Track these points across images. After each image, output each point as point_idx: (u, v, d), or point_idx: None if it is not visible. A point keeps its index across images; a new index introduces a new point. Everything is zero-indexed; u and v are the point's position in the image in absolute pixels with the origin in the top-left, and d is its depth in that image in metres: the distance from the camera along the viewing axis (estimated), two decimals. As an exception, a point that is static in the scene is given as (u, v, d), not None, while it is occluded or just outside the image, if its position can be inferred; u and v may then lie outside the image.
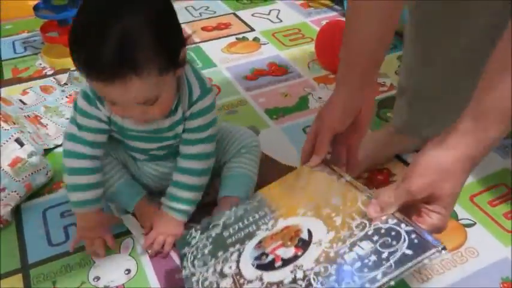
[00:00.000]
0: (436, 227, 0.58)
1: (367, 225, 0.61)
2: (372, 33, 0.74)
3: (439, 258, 0.82)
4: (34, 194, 0.99)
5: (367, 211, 0.61)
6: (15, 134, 1.00)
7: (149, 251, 0.86)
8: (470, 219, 0.91)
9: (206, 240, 0.76)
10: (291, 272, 0.62)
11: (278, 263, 0.64)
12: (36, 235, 0.91)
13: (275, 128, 1.16)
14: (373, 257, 0.56)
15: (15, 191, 0.95)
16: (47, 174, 1.01)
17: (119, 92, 0.69)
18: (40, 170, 1.00)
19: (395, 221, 0.59)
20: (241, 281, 0.65)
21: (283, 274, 0.62)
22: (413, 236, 0.56)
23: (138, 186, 0.93)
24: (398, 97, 1.07)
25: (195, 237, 0.78)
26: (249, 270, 0.66)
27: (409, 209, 0.59)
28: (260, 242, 0.69)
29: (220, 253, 0.71)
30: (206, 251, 0.73)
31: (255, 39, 1.54)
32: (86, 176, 0.84)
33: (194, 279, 0.70)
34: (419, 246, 0.55)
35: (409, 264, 0.54)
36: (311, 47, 1.46)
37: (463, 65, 0.91)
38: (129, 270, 0.84)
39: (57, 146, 1.12)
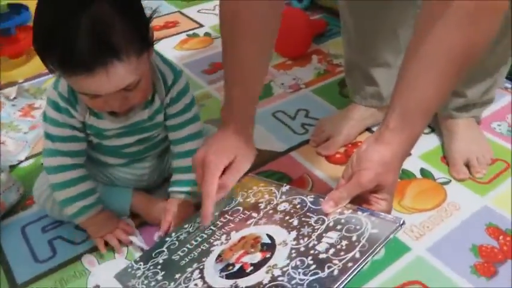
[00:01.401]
0: (385, 211, 0.66)
1: (325, 219, 0.66)
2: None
3: (419, 219, 0.87)
4: (8, 212, 0.94)
5: (322, 207, 0.67)
6: (-23, 152, 0.94)
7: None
8: (445, 178, 0.97)
9: (154, 268, 0.75)
10: (267, 272, 0.63)
11: (249, 269, 0.65)
12: (19, 254, 0.86)
13: (245, 117, 1.17)
14: (344, 242, 0.61)
15: (-12, 212, 0.89)
16: (18, 190, 0.96)
17: (102, 81, 0.66)
18: (10, 187, 0.95)
19: (350, 211, 0.65)
20: None
21: (259, 276, 0.63)
22: (373, 218, 0.63)
23: (121, 187, 0.91)
24: (349, 74, 1.11)
25: (139, 268, 0.76)
26: (219, 282, 0.66)
27: (358, 200, 0.67)
28: (220, 255, 0.70)
29: (177, 275, 0.71)
30: (159, 277, 0.72)
31: (206, 34, 1.53)
32: (75, 187, 0.81)
33: None
34: (383, 225, 0.62)
35: (381, 240, 0.59)
36: (263, 37, 1.48)
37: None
38: (128, 273, 0.81)
39: (20, 162, 1.06)
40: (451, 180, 0.96)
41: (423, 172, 0.98)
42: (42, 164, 1.02)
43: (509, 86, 1.20)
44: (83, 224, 0.85)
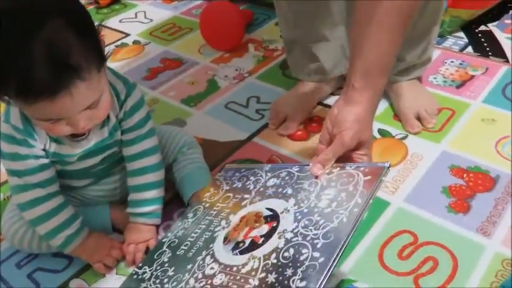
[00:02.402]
0: None
1: (318, 181, 0.70)
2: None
3: (390, 174, 0.92)
4: (-27, 257, 0.87)
5: (311, 171, 0.71)
6: None
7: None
8: (402, 133, 1.02)
9: (161, 267, 0.75)
10: (279, 238, 0.65)
11: (260, 240, 0.67)
12: (-1, 297, 0.81)
13: (199, 114, 1.16)
14: (343, 194, 0.66)
15: (-48, 261, 0.82)
16: (-21, 232, 0.89)
17: (66, 104, 0.63)
18: (-30, 230, 0.88)
19: (338, 168, 0.70)
20: (234, 269, 0.66)
21: (273, 243, 0.65)
22: (361, 168, 0.68)
23: (97, 206, 0.87)
24: (290, 53, 1.14)
25: (145, 272, 0.76)
26: (234, 259, 0.67)
27: (341, 160, 0.71)
28: (226, 238, 0.72)
29: (189, 266, 0.71)
30: (171, 273, 0.72)
31: (135, 42, 1.50)
32: (56, 217, 0.77)
33: None
34: (373, 171, 0.67)
35: (375, 184, 0.65)
36: (194, 36, 1.48)
37: None
38: (125, 288, 0.79)
39: (-27, 203, 0.99)
40: (407, 135, 1.02)
41: (381, 132, 1.03)
42: (3, 199, 0.97)
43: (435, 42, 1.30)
44: (74, 252, 0.81)
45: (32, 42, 0.59)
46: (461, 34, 1.34)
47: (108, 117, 0.76)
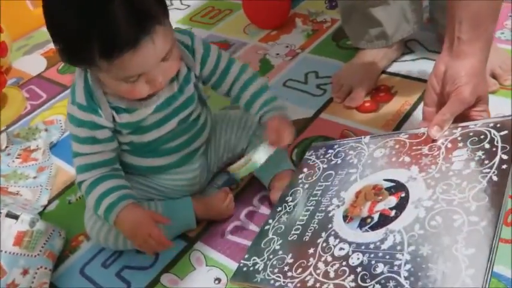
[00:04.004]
0: None
1: (440, 144, 0.64)
2: None
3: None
4: (58, 260, 0.86)
5: (429, 133, 0.66)
6: (1, 209, 0.85)
7: None
8: (478, 94, 0.97)
9: (275, 255, 0.70)
10: (416, 207, 0.60)
11: (392, 213, 0.61)
12: (90, 298, 0.79)
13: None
14: (480, 152, 0.60)
15: (41, 267, 0.81)
16: (60, 235, 0.88)
17: (149, 51, 0.65)
18: (52, 233, 0.87)
19: (459, 128, 0.64)
20: (371, 246, 0.60)
21: (411, 213, 0.60)
22: (491, 124, 0.62)
23: (179, 199, 0.85)
24: (347, 21, 1.09)
25: (256, 263, 0.71)
26: (366, 236, 0.62)
27: (457, 121, 0.66)
28: (345, 216, 0.66)
29: (311, 250, 0.66)
30: (289, 260, 0.67)
31: (176, 30, 1.46)
32: (109, 181, 0.77)
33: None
34: (507, 125, 0.60)
35: None
36: (235, 16, 1.44)
37: None
38: (218, 280, 0.76)
39: (45, 207, 0.98)
40: (484, 95, 0.96)
41: (456, 95, 0.98)
42: (76, 200, 0.96)
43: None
44: (117, 227, 0.77)
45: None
46: (521, -16, 1.26)
47: (177, 73, 0.76)
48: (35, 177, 1.05)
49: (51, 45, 1.52)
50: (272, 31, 1.33)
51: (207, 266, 0.79)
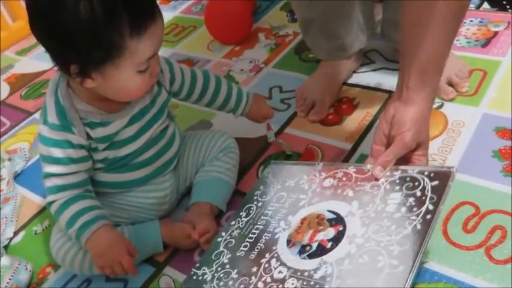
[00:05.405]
0: (425, 165, 0.72)
1: (380, 184, 0.69)
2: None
3: (434, 146, 0.89)
4: (25, 294, 0.84)
5: (373, 172, 0.71)
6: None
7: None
8: (437, 102, 0.99)
9: (222, 268, 0.72)
10: (350, 243, 0.64)
11: (329, 244, 0.66)
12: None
13: (223, 113, 1.11)
14: (411, 199, 0.65)
15: (6, 302, 0.80)
16: (26, 268, 0.86)
17: (161, 26, 0.70)
18: (17, 267, 0.85)
19: (399, 171, 0.69)
20: (306, 273, 0.64)
21: (344, 248, 0.64)
22: (425, 172, 0.67)
23: (146, 223, 0.85)
24: (307, 34, 1.11)
25: (205, 273, 0.73)
26: (303, 263, 0.66)
27: (399, 162, 0.71)
28: (289, 241, 0.70)
29: (254, 269, 0.69)
30: (235, 275, 0.70)
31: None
32: (85, 201, 0.77)
33: None
34: (439, 176, 0.66)
35: (445, 190, 0.64)
36: (199, 33, 1.44)
37: None
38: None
39: (11, 239, 0.96)
40: (443, 103, 0.99)
41: (416, 104, 1.00)
42: (43, 230, 0.95)
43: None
44: (88, 246, 0.76)
45: None
46: (474, -9, 1.30)
47: None
48: (-2, 208, 1.04)
49: (13, 71, 1.51)
50: (236, 46, 1.34)
51: (176, 291, 0.79)
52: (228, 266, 0.72)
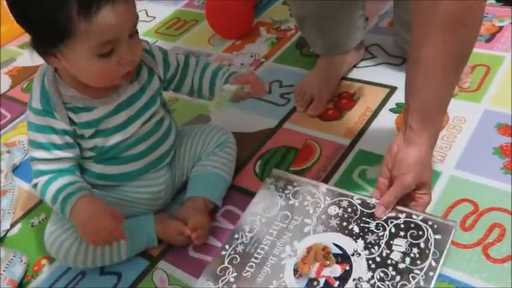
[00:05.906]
0: (428, 203, 0.74)
1: (385, 225, 0.72)
2: None
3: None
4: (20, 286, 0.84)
5: (376, 213, 0.74)
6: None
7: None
8: (438, 98, 0.98)
9: (228, 286, 0.72)
10: (356, 286, 0.66)
11: (335, 283, 0.68)
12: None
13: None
14: (415, 250, 0.68)
15: (0, 294, 0.80)
16: (21, 261, 0.86)
17: (124, 10, 0.66)
18: (12, 259, 0.85)
19: (404, 214, 0.72)
20: None
21: None
22: (430, 222, 0.70)
23: (141, 216, 0.84)
24: (303, 29, 1.10)
25: None
26: None
27: (402, 198, 0.73)
28: (296, 270, 0.71)
29: None
30: None
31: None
32: (67, 177, 0.76)
33: None
34: (442, 229, 0.69)
35: (446, 246, 0.67)
36: (200, 27, 1.43)
37: None
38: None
39: (7, 231, 0.96)
40: (444, 98, 0.97)
41: (416, 99, 0.98)
42: (39, 222, 0.95)
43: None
44: (72, 217, 0.75)
45: None
46: (480, -15, 1.28)
47: (137, 73, 0.79)
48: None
49: (16, 64, 1.51)
50: (237, 41, 1.33)
51: (170, 285, 0.78)
52: (234, 286, 0.72)
